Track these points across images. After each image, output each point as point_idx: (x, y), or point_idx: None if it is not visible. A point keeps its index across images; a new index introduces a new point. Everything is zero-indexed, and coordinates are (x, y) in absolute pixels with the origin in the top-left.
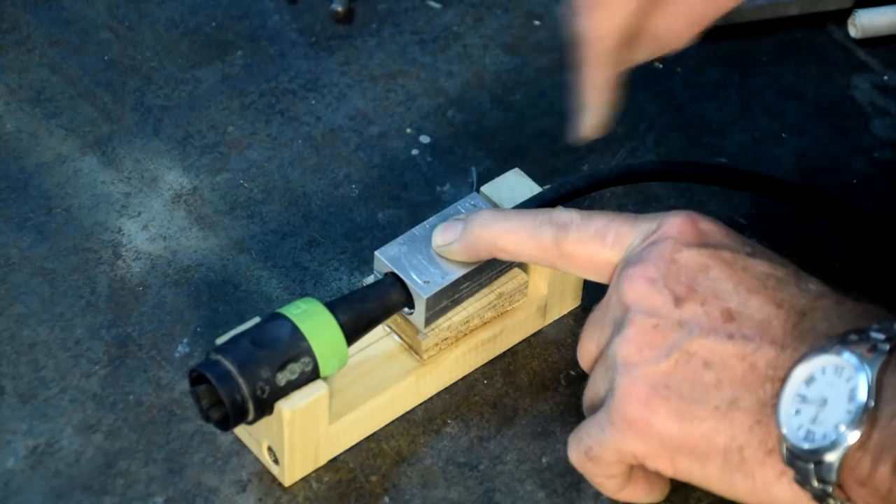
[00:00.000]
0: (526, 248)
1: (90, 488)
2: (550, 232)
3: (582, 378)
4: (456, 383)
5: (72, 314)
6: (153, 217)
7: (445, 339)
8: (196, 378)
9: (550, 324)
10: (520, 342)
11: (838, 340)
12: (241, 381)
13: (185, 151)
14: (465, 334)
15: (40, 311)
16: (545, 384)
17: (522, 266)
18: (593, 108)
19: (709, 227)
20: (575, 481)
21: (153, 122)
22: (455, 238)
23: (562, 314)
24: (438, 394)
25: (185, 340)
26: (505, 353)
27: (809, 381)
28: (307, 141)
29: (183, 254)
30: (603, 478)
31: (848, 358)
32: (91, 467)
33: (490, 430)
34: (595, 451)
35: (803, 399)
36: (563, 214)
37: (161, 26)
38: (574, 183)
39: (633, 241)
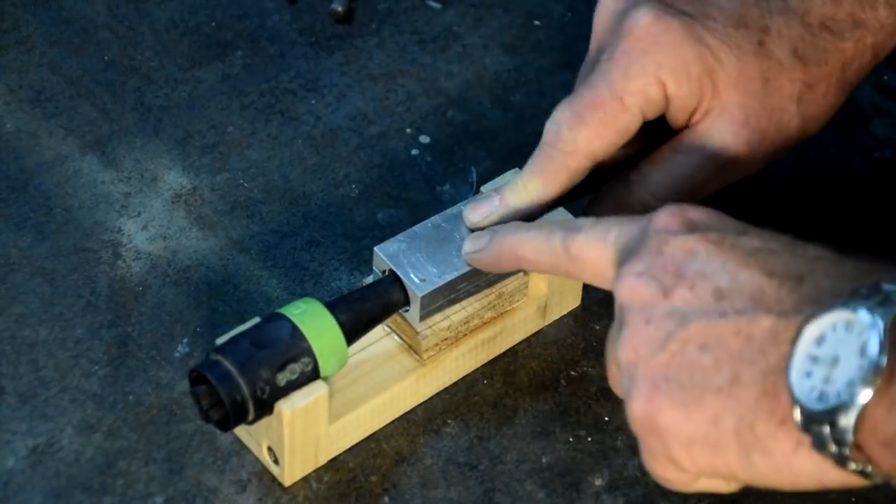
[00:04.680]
0: (541, 253)
1: (90, 488)
2: (560, 234)
3: (582, 378)
4: (456, 383)
5: (72, 314)
6: (153, 217)
7: (445, 340)
8: (196, 378)
9: (550, 324)
10: (520, 342)
11: (849, 296)
12: (241, 381)
13: (185, 151)
14: (465, 334)
15: (40, 311)
16: (545, 384)
17: None
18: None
19: (698, 214)
20: (575, 481)
21: (153, 122)
22: (483, 246)
23: (562, 314)
24: (438, 394)
25: (184, 340)
26: (505, 353)
27: (820, 340)
28: (307, 141)
29: (183, 254)
30: (677, 482)
31: (859, 312)
32: (91, 467)
33: (490, 430)
34: (652, 466)
35: (814, 360)
36: (577, 220)
37: (161, 26)
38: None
39: (630, 238)
